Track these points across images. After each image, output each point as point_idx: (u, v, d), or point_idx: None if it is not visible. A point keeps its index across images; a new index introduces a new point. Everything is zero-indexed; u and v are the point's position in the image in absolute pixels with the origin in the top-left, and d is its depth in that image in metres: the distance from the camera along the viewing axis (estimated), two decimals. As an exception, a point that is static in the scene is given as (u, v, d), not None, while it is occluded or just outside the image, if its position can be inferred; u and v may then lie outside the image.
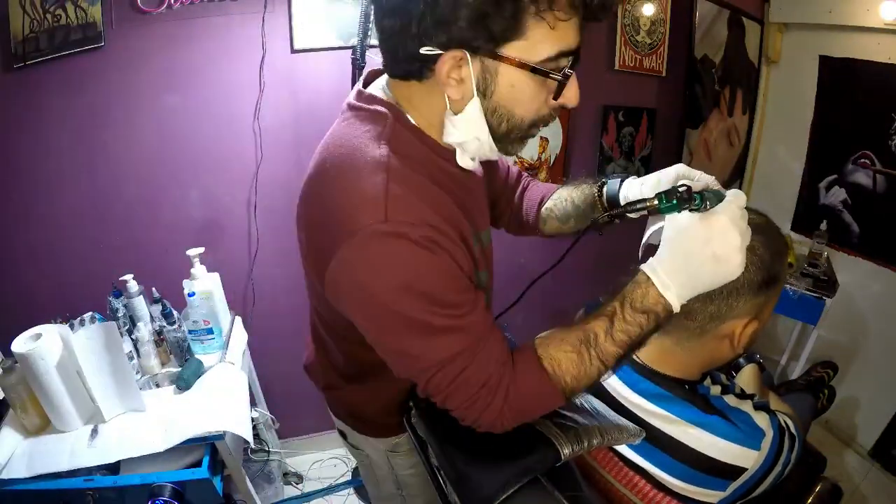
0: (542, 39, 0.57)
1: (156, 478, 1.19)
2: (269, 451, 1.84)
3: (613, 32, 1.84)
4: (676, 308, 0.64)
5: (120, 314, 1.39)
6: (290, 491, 1.91)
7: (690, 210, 0.62)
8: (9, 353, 1.15)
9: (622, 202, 0.81)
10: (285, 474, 1.94)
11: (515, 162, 1.89)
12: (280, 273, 1.73)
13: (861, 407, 2.01)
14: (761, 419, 0.79)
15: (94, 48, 1.38)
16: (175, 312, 1.44)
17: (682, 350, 0.81)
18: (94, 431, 1.22)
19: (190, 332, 1.43)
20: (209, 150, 1.59)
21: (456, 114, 0.64)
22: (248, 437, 1.27)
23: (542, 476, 0.72)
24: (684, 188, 0.62)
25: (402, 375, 0.69)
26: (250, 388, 1.57)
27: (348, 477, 1.96)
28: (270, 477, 1.82)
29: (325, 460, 2.03)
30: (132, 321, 1.41)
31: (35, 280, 1.54)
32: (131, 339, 1.37)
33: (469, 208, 0.72)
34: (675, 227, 0.64)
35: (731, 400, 0.82)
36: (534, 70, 0.59)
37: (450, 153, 0.70)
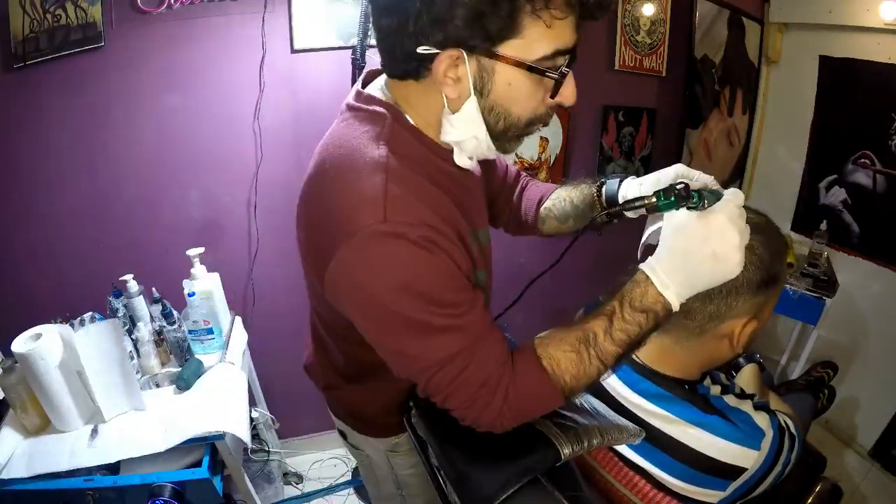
0: (538, 38, 0.57)
1: (156, 478, 1.19)
2: (269, 451, 1.84)
3: (613, 32, 1.84)
4: (675, 307, 0.64)
5: (120, 314, 1.39)
6: (290, 491, 1.91)
7: (689, 208, 0.62)
8: (9, 353, 1.15)
9: (621, 202, 0.81)
10: (285, 474, 1.94)
11: (515, 161, 1.89)
12: (280, 273, 1.73)
13: (861, 407, 2.01)
14: (761, 419, 0.79)
15: (94, 48, 1.39)
16: (175, 312, 1.44)
17: (682, 350, 0.81)
18: (94, 431, 1.22)
19: (190, 332, 1.43)
20: (209, 150, 1.59)
21: (453, 113, 0.64)
22: (247, 438, 1.27)
23: (542, 476, 0.72)
24: (682, 186, 0.62)
25: (402, 375, 0.69)
26: (250, 388, 1.58)
27: (348, 477, 1.96)
28: (270, 477, 1.82)
29: (325, 460, 2.03)
30: (132, 321, 1.41)
31: (35, 280, 1.54)
32: (131, 339, 1.36)
33: (467, 207, 0.72)
34: (673, 225, 0.64)
35: (730, 400, 0.82)
36: (530, 69, 0.59)
37: (447, 152, 0.70)
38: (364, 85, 0.73)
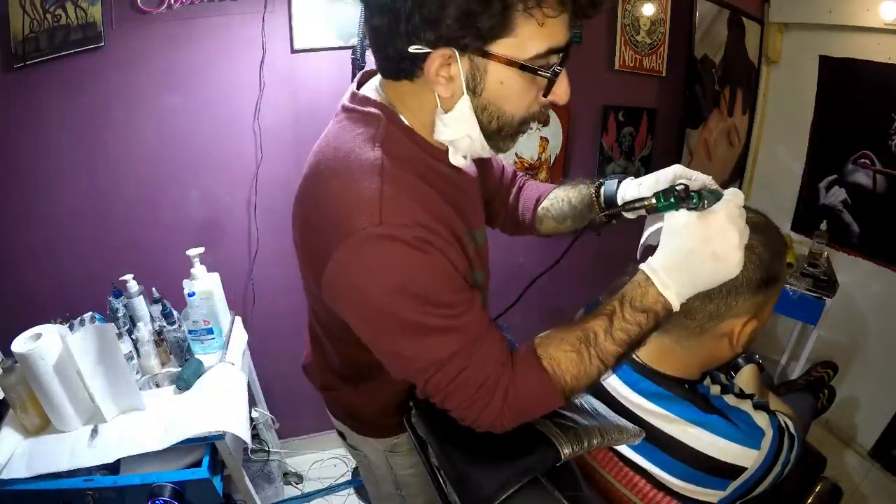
0: (530, 36, 0.57)
1: (156, 478, 1.19)
2: (269, 451, 1.84)
3: (613, 32, 1.84)
4: (676, 307, 0.64)
5: (120, 314, 1.39)
6: (290, 491, 1.91)
7: (688, 209, 0.62)
8: (9, 353, 1.15)
9: (619, 203, 0.81)
10: (285, 474, 1.94)
11: (515, 161, 1.89)
12: (280, 273, 1.73)
13: (861, 407, 2.01)
14: (761, 419, 0.79)
15: (94, 48, 1.39)
16: (175, 312, 1.44)
17: (682, 349, 0.81)
18: (94, 431, 1.22)
19: (190, 332, 1.43)
20: (209, 150, 1.59)
21: (446, 112, 0.64)
22: (247, 438, 1.27)
23: (542, 476, 0.72)
24: (682, 187, 0.62)
25: (400, 377, 0.69)
26: (250, 388, 1.58)
27: (348, 477, 1.96)
28: (270, 477, 1.82)
29: (325, 460, 2.03)
30: (132, 321, 1.41)
31: (35, 280, 1.54)
32: (131, 339, 1.37)
33: (462, 207, 0.72)
34: (673, 226, 0.64)
35: (730, 399, 0.82)
36: (523, 67, 0.59)
37: (441, 152, 0.70)
38: (359, 86, 0.73)
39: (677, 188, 0.62)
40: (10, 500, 1.17)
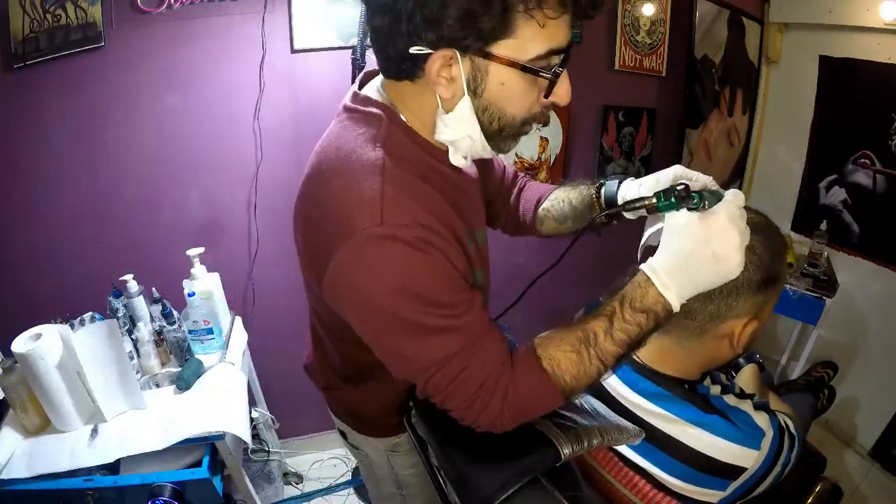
0: (531, 38, 0.57)
1: (156, 478, 1.19)
2: (269, 451, 1.84)
3: (613, 32, 1.84)
4: (676, 307, 0.64)
5: (120, 314, 1.39)
6: (290, 491, 1.91)
7: (689, 209, 0.62)
8: (9, 353, 1.15)
9: (620, 203, 0.81)
10: (285, 474, 1.94)
11: (515, 162, 1.89)
12: (280, 273, 1.73)
13: (861, 407, 2.01)
14: (761, 419, 0.79)
15: (94, 48, 1.39)
16: (175, 312, 1.44)
17: (682, 349, 0.81)
18: (94, 431, 1.22)
19: (190, 332, 1.43)
20: (209, 150, 1.59)
21: (447, 112, 0.64)
22: (247, 437, 1.27)
23: (542, 476, 0.72)
24: (682, 187, 0.62)
25: (401, 377, 0.69)
26: (250, 388, 1.58)
27: (348, 477, 1.96)
28: (270, 477, 1.82)
29: (325, 460, 2.03)
30: (132, 321, 1.41)
31: (35, 280, 1.54)
32: (131, 339, 1.37)
33: (462, 208, 0.72)
34: (674, 226, 0.64)
35: (730, 399, 0.82)
36: (524, 68, 0.59)
37: (442, 153, 0.70)
38: (361, 86, 0.73)
39: (678, 188, 0.62)
40: (10, 500, 1.17)
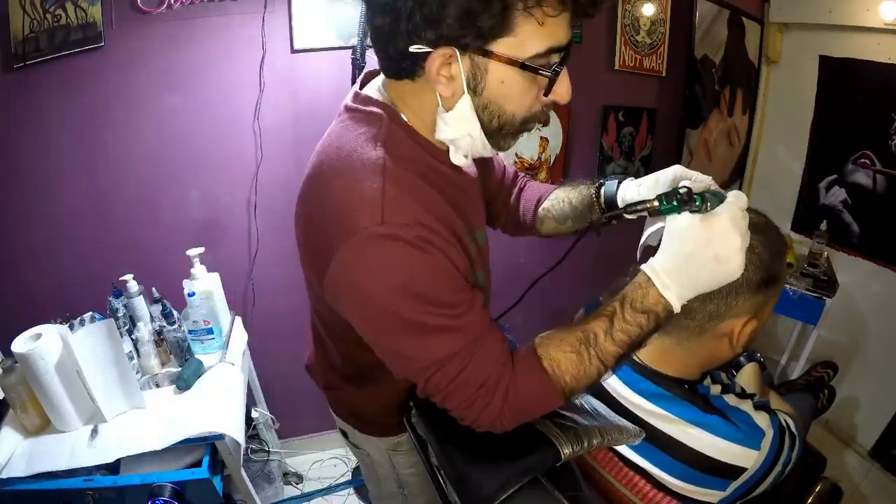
0: (530, 36, 0.57)
1: (156, 478, 1.19)
2: (269, 451, 1.84)
3: (613, 32, 1.84)
4: (677, 308, 0.64)
5: (120, 314, 1.39)
6: (290, 491, 1.91)
7: (691, 211, 0.62)
8: (9, 353, 1.15)
9: (620, 203, 0.81)
10: (285, 474, 1.94)
11: (515, 161, 1.89)
12: (280, 273, 1.73)
13: (861, 407, 2.01)
14: (761, 419, 0.79)
15: (94, 48, 1.39)
16: (175, 312, 1.44)
17: (682, 349, 0.81)
18: (94, 431, 1.22)
19: (190, 332, 1.43)
20: (209, 150, 1.59)
21: (447, 111, 0.64)
22: (241, 439, 1.26)
23: (542, 476, 0.72)
24: (685, 189, 0.62)
25: (401, 376, 0.69)
26: (250, 388, 1.58)
27: (348, 477, 1.96)
28: (270, 477, 1.82)
29: (325, 460, 2.03)
30: (132, 321, 1.41)
31: (35, 280, 1.54)
32: (131, 339, 1.37)
33: (462, 207, 0.72)
34: (675, 228, 0.64)
35: (731, 399, 0.82)
36: (523, 67, 0.59)
37: (442, 153, 0.70)
38: (362, 86, 0.73)
39: (680, 191, 0.62)
40: (10, 500, 1.17)
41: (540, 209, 0.95)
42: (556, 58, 0.60)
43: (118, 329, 1.32)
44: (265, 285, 1.77)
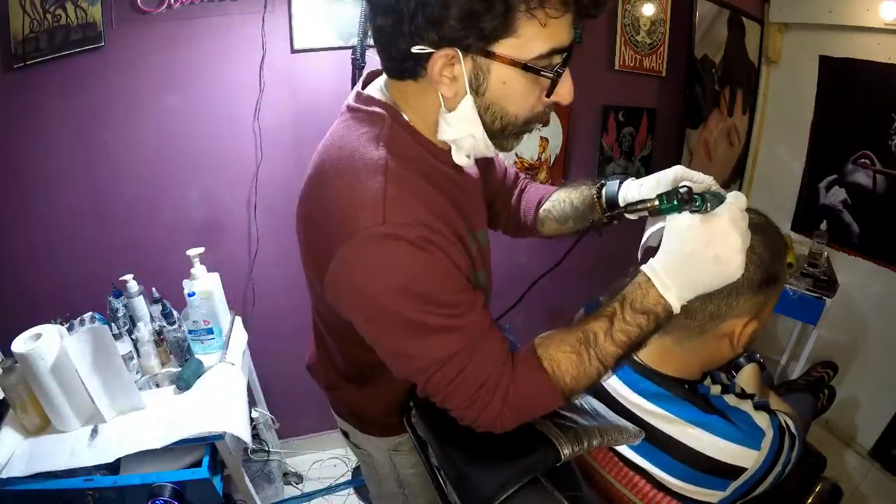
0: (533, 37, 0.57)
1: (156, 478, 1.19)
2: (269, 451, 1.84)
3: (613, 32, 1.84)
4: (676, 309, 0.64)
5: (120, 314, 1.39)
6: (290, 491, 1.91)
7: (691, 211, 0.62)
8: (9, 353, 1.15)
9: (621, 203, 0.81)
10: (285, 474, 1.94)
11: (515, 162, 1.89)
12: (280, 273, 1.73)
13: (861, 407, 2.01)
14: (761, 419, 0.79)
15: (94, 48, 1.39)
16: (175, 312, 1.44)
17: (682, 349, 0.81)
18: (94, 431, 1.22)
19: (190, 332, 1.43)
20: (209, 150, 1.59)
21: (450, 111, 0.64)
22: (247, 438, 1.27)
23: (542, 476, 0.72)
24: (685, 189, 0.62)
25: (402, 376, 0.69)
26: (250, 388, 1.58)
27: (348, 477, 1.96)
28: (270, 477, 1.82)
29: (325, 460, 2.03)
30: (132, 321, 1.41)
31: (35, 280, 1.54)
32: (131, 339, 1.37)
33: (463, 207, 0.72)
34: (675, 228, 0.64)
35: (731, 399, 0.82)
36: (526, 68, 0.59)
37: (444, 153, 0.70)
38: (364, 86, 0.73)
39: (681, 190, 0.62)
40: (10, 500, 1.17)
41: (541, 210, 0.95)
42: (558, 59, 0.60)
43: (118, 329, 1.32)
44: (265, 285, 1.77)
